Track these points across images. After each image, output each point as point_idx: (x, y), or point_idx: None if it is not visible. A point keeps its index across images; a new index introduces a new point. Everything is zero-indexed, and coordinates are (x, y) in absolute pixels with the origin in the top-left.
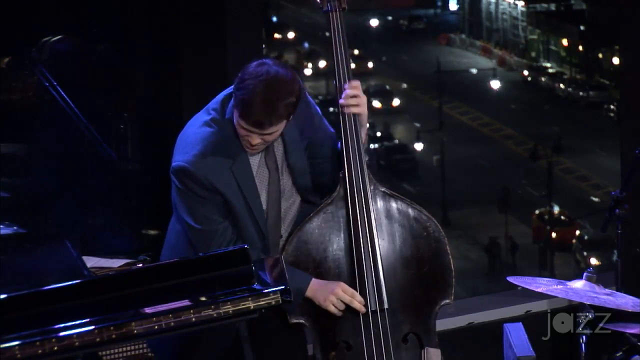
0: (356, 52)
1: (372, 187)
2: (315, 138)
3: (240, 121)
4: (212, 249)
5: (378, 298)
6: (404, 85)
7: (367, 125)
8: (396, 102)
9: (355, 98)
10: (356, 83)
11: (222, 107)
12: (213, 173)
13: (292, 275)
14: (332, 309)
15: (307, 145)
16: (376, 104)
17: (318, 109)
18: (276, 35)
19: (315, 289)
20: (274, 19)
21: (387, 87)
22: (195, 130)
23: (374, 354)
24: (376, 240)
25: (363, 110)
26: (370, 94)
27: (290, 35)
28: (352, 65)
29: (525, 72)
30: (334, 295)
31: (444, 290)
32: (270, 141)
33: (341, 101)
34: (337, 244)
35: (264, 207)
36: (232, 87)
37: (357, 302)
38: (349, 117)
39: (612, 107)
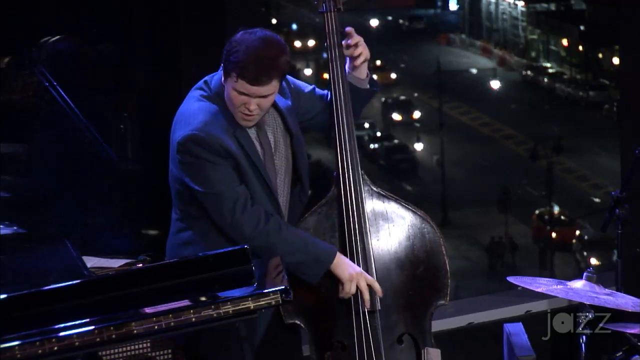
0: (378, 62)
1: (366, 188)
2: (301, 100)
3: (239, 83)
4: (238, 212)
5: (370, 299)
6: (416, 94)
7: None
8: (417, 114)
9: (357, 47)
10: (349, 29)
11: (206, 85)
12: (221, 136)
13: (319, 242)
14: (348, 288)
15: (297, 112)
16: (396, 116)
17: (290, 77)
18: (297, 44)
19: (341, 260)
20: (294, 26)
21: (402, 97)
22: (191, 106)
23: (368, 355)
24: (368, 242)
25: (366, 52)
26: (389, 106)
27: (311, 43)
28: (374, 77)
29: (525, 72)
30: (359, 276)
31: (439, 291)
32: (265, 108)
33: (346, 45)
34: (331, 244)
35: None
36: (222, 61)
37: (367, 295)
38: (342, 120)
39: (612, 107)
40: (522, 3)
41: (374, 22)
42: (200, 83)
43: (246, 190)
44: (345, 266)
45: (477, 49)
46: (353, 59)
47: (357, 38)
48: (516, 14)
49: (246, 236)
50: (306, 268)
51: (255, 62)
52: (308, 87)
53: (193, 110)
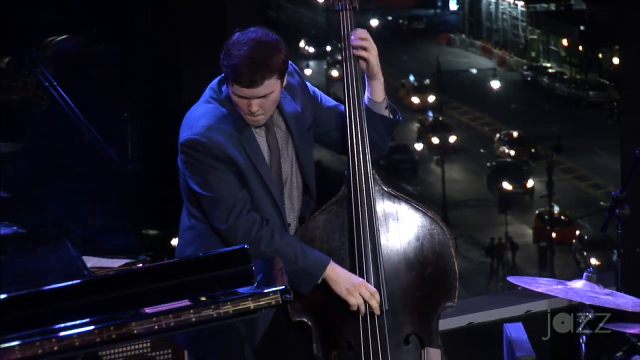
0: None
1: (377, 188)
2: (317, 111)
3: (235, 88)
4: (232, 218)
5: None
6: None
7: (382, 78)
8: (452, 138)
9: (364, 41)
10: (363, 31)
11: (218, 87)
12: (224, 142)
13: (312, 253)
14: (352, 300)
15: (312, 122)
16: (434, 139)
17: (315, 89)
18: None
19: (338, 272)
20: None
21: (441, 118)
22: (199, 108)
23: (374, 354)
24: (378, 242)
25: (372, 56)
26: (427, 129)
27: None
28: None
29: (525, 72)
30: (355, 288)
31: (447, 293)
32: (269, 108)
33: (353, 40)
34: (340, 243)
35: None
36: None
37: (374, 302)
38: (355, 120)
39: (612, 107)
40: (522, 3)
41: (374, 22)
42: (214, 83)
43: (246, 196)
44: (341, 281)
45: (477, 49)
46: (360, 59)
47: (363, 34)
48: (516, 14)
49: (238, 242)
50: (297, 279)
51: (246, 65)
52: (331, 102)
53: (199, 112)
